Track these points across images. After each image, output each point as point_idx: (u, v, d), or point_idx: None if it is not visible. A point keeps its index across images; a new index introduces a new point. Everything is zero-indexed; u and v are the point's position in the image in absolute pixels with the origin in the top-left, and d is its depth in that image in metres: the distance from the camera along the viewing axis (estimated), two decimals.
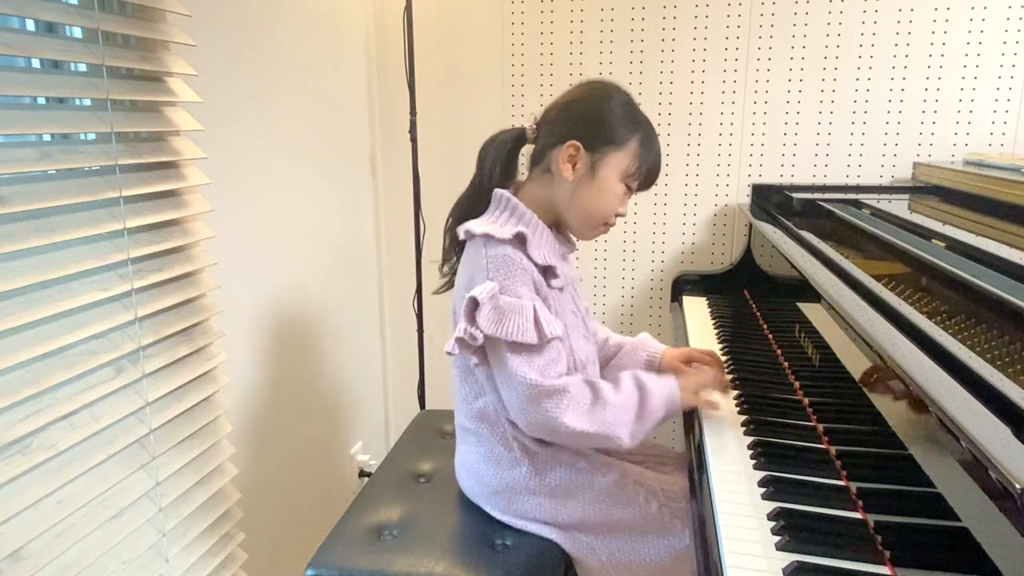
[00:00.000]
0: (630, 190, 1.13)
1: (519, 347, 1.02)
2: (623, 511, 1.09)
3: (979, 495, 0.58)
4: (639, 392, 1.07)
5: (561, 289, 1.13)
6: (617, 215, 1.14)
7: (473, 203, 1.15)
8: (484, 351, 1.06)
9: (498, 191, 1.11)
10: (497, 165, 1.13)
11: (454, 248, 1.17)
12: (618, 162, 1.09)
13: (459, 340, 1.03)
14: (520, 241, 1.06)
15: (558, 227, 1.16)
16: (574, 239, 1.21)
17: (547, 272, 1.09)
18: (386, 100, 2.05)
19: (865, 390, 0.89)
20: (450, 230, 1.17)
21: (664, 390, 1.08)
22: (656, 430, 1.09)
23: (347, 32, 1.85)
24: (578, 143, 1.07)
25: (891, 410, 0.81)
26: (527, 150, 1.17)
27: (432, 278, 1.22)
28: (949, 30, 1.71)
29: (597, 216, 1.13)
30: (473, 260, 1.07)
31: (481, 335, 1.01)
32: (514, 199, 1.10)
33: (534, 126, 1.14)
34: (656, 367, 1.29)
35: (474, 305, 1.01)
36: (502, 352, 1.02)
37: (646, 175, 1.12)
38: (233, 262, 1.36)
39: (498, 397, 1.09)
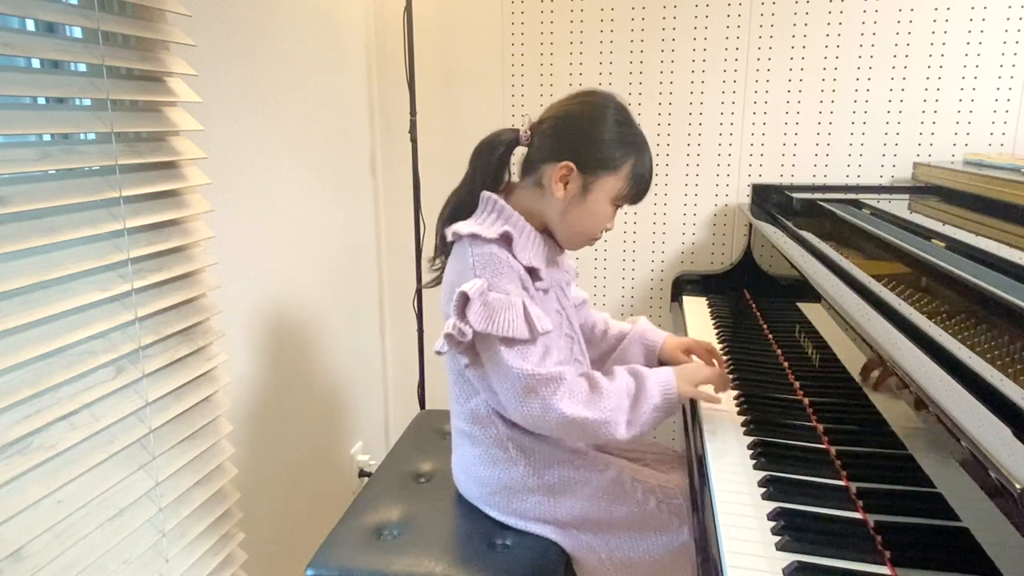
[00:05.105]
0: (618, 208, 1.14)
1: (512, 341, 1.02)
2: (621, 508, 1.09)
3: (979, 495, 0.58)
4: (634, 379, 1.08)
5: (545, 291, 1.14)
6: (605, 229, 1.15)
7: (464, 201, 1.14)
8: (474, 351, 1.07)
9: (485, 194, 1.11)
10: (491, 168, 1.13)
11: (443, 246, 1.17)
12: (611, 185, 1.09)
13: (448, 336, 1.03)
14: (506, 241, 1.07)
15: (548, 232, 1.16)
16: None
17: (531, 273, 1.10)
18: (386, 100, 2.05)
19: (865, 390, 0.89)
20: (440, 228, 1.17)
21: (659, 376, 1.09)
22: (657, 430, 1.09)
23: (347, 32, 1.85)
24: (571, 164, 1.07)
25: (891, 410, 0.81)
26: (519, 152, 1.16)
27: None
28: (949, 30, 1.71)
29: (585, 234, 1.14)
30: (460, 260, 1.08)
31: (470, 331, 1.01)
32: (501, 201, 1.10)
33: (528, 131, 1.13)
34: (655, 357, 1.30)
35: (464, 301, 1.02)
36: (495, 348, 1.03)
37: (636, 194, 1.13)
38: (233, 262, 1.36)
39: (491, 396, 1.09)
